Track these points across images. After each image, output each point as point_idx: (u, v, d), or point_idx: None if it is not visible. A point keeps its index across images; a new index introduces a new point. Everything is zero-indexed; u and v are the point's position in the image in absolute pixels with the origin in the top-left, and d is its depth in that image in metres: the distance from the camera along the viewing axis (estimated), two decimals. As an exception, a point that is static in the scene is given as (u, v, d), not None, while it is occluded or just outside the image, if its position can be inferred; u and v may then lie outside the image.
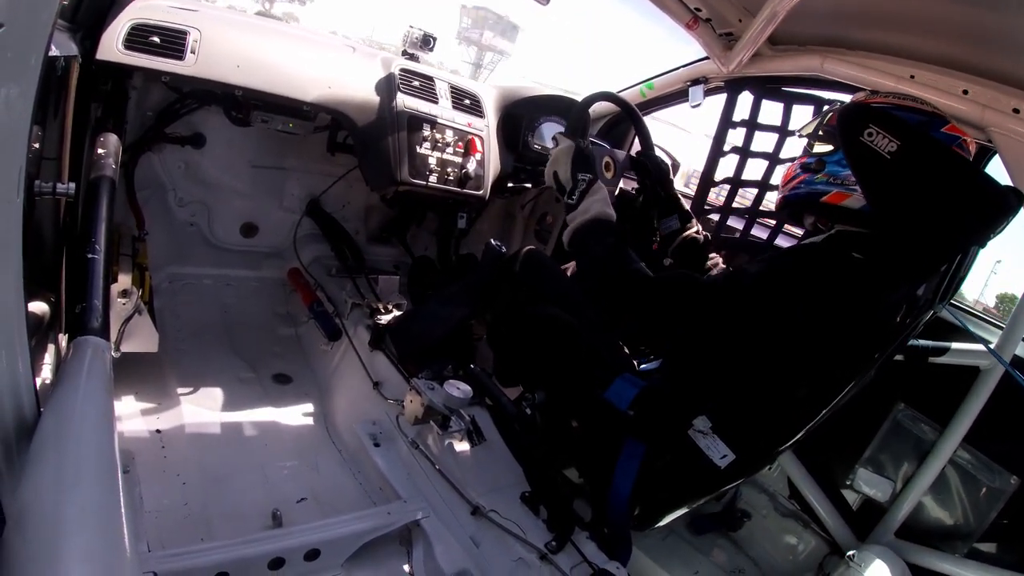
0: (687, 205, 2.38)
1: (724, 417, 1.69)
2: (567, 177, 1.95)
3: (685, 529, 2.60)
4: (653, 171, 2.33)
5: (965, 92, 1.99)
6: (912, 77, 2.08)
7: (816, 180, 1.73)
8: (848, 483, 2.49)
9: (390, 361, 2.49)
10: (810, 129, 1.87)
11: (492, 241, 2.32)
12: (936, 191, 1.51)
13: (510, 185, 3.21)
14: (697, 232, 2.31)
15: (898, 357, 2.13)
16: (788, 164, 1.92)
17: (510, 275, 2.26)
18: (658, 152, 2.53)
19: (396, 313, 2.70)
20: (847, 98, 1.86)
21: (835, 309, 1.55)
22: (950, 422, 2.23)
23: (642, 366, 2.11)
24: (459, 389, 2.01)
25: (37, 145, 1.31)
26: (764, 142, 2.69)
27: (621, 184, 2.49)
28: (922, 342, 2.21)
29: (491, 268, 2.33)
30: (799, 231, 2.48)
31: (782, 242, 2.71)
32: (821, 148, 1.76)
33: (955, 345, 2.21)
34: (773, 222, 2.78)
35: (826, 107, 1.90)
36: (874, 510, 2.43)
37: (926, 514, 2.38)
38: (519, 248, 2.35)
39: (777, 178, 2.59)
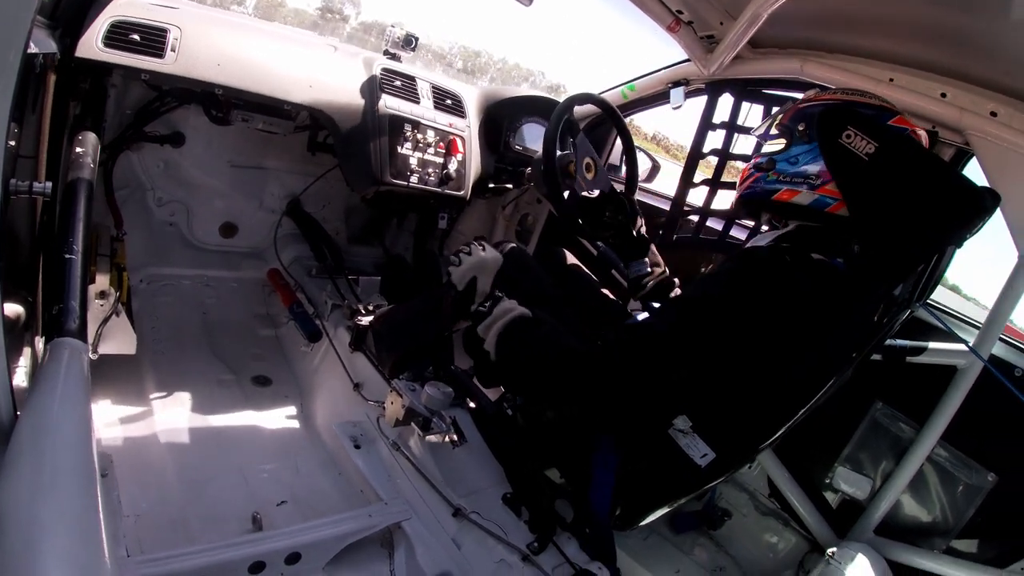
0: (666, 206, 2.38)
1: (704, 416, 1.69)
2: (486, 288, 1.92)
3: (666, 528, 2.61)
4: (629, 210, 2.33)
5: (943, 95, 2.02)
6: (891, 80, 2.11)
7: (768, 179, 1.75)
8: (827, 481, 2.50)
9: (370, 362, 2.48)
10: (762, 130, 1.89)
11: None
12: (913, 192, 1.53)
13: (491, 186, 3.21)
14: (664, 273, 2.33)
15: (876, 356, 2.15)
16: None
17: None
18: (639, 154, 2.54)
19: (375, 314, 2.69)
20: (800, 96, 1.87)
21: (797, 311, 1.55)
22: (928, 420, 2.26)
23: None
24: (440, 390, 2.00)
25: (13, 143, 1.30)
26: (744, 145, 2.70)
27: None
28: (899, 341, 2.23)
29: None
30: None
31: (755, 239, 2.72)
32: (773, 147, 1.78)
33: (932, 344, 2.23)
34: (752, 223, 2.79)
35: (776, 108, 1.91)
36: (853, 508, 2.45)
37: (905, 511, 2.40)
38: (499, 242, 2.35)
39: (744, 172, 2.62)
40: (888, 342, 2.17)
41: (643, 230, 2.37)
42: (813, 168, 1.65)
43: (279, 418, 2.63)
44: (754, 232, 2.70)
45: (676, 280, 2.35)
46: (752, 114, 2.65)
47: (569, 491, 1.96)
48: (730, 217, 2.76)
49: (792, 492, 2.53)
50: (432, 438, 2.03)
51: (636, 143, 2.70)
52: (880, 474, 2.41)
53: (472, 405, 2.22)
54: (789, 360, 1.62)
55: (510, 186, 3.35)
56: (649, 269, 2.32)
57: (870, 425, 2.45)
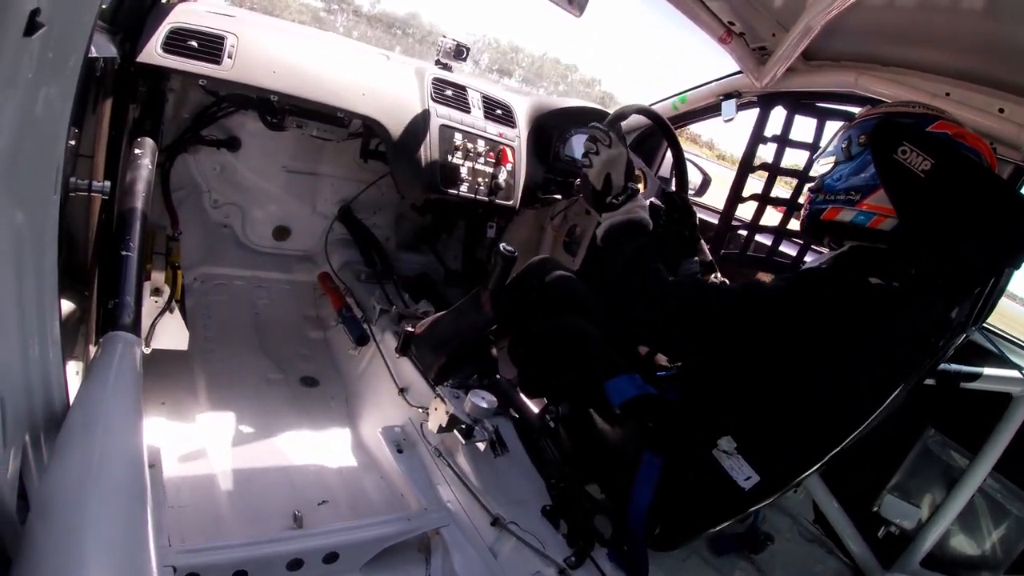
0: (715, 220, 2.35)
1: (749, 437, 1.67)
2: (620, 182, 1.95)
3: (706, 549, 2.57)
4: (682, 209, 2.32)
5: (1001, 111, 1.96)
6: (947, 94, 2.05)
7: (817, 199, 1.75)
8: (875, 509, 2.44)
9: (416, 368, 2.49)
10: (819, 154, 1.88)
11: (502, 246, 2.31)
12: (970, 211, 1.49)
13: (540, 196, 3.21)
14: (715, 278, 2.31)
15: (929, 381, 2.09)
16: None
17: (527, 286, 2.27)
18: (690, 167, 2.51)
19: (419, 323, 2.70)
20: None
21: (853, 336, 1.53)
22: (980, 449, 2.19)
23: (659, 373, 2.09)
24: (484, 399, 2.01)
25: (74, 143, 1.34)
26: (795, 159, 2.66)
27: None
28: (954, 366, 2.17)
29: (505, 273, 2.32)
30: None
31: (811, 259, 2.67)
32: (823, 168, 1.77)
33: (987, 370, 2.16)
34: (801, 241, 2.74)
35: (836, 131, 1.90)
36: (900, 537, 2.38)
37: (953, 543, 2.33)
38: (533, 258, 2.36)
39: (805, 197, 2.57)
40: (942, 367, 2.11)
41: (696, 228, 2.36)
42: (854, 182, 1.64)
43: (324, 419, 2.65)
44: (804, 249, 2.65)
45: (726, 282, 2.32)
46: (805, 127, 2.61)
47: (609, 507, 1.95)
48: (779, 233, 2.72)
49: (837, 519, 2.48)
50: (474, 446, 2.04)
51: (694, 149, 2.67)
52: (929, 504, 2.34)
53: (515, 415, 2.22)
54: (814, 375, 1.59)
55: (559, 197, 3.35)
56: (698, 269, 2.31)
57: (921, 452, 2.39)
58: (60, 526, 0.70)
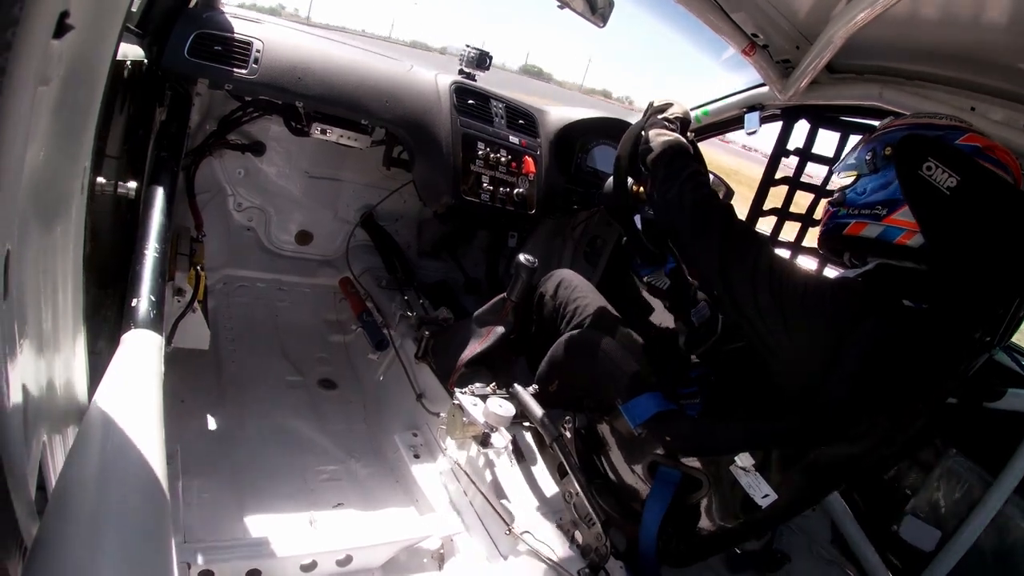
0: None
1: (768, 454, 1.65)
2: (677, 112, 1.96)
3: (722, 566, 2.54)
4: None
5: (1025, 125, 1.94)
6: (973, 109, 2.04)
7: (839, 213, 1.71)
8: (894, 529, 2.40)
9: (434, 374, 2.51)
10: (839, 166, 1.85)
11: (522, 257, 2.31)
12: (995, 229, 1.47)
13: (561, 206, 3.22)
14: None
15: (951, 400, 2.06)
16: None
17: (547, 297, 2.27)
18: (713, 179, 2.50)
19: (440, 327, 2.71)
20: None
21: (880, 357, 1.51)
22: (1002, 471, 2.15)
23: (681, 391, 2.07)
24: (501, 407, 2.01)
25: (101, 144, 1.36)
26: (819, 173, 2.64)
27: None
28: (976, 386, 2.13)
29: (525, 284, 2.32)
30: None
31: (830, 273, 2.64)
32: (844, 180, 1.74)
33: (1011, 391, 2.13)
34: (821, 253, 2.72)
35: (852, 138, 1.87)
36: (920, 559, 2.34)
37: (973, 566, 2.29)
38: (554, 270, 2.36)
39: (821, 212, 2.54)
40: (964, 386, 2.07)
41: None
42: (879, 197, 1.60)
43: (342, 422, 2.67)
44: (822, 264, 2.63)
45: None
46: (827, 142, 2.59)
47: (624, 520, 1.93)
48: (797, 247, 2.70)
49: (856, 539, 2.44)
50: (490, 454, 2.04)
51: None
52: (949, 526, 2.30)
53: (533, 424, 2.22)
54: (834, 388, 1.56)
55: (578, 207, 3.36)
56: (710, 313, 2.25)
57: (942, 473, 2.35)
58: (78, 518, 0.70)
